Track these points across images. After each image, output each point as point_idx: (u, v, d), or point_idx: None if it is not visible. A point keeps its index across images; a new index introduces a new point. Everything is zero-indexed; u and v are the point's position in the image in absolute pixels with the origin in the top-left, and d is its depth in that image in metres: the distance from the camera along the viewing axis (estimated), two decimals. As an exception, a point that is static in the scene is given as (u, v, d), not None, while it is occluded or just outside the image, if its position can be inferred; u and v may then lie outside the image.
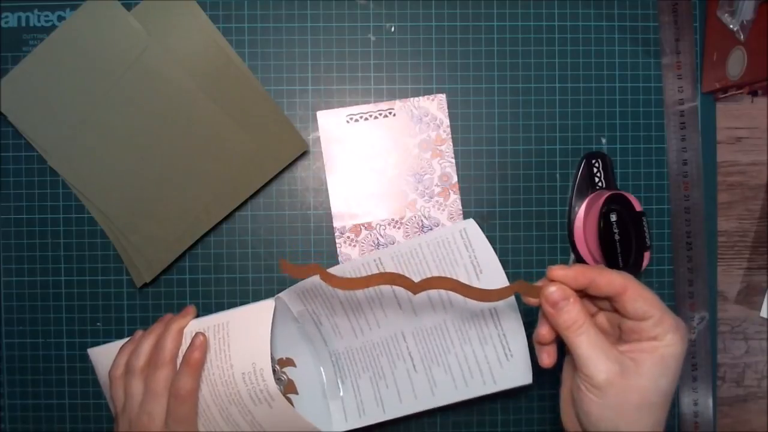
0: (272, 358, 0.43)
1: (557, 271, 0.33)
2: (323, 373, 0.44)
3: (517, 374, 0.41)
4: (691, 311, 0.48)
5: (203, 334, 0.40)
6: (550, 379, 0.48)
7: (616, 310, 0.33)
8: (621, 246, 0.44)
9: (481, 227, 0.42)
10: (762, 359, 0.50)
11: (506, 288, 0.34)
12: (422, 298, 0.42)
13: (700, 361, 0.48)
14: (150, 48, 0.45)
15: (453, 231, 0.41)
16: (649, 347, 0.31)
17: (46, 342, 0.47)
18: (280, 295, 0.43)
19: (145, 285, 0.46)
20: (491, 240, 0.47)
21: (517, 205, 0.48)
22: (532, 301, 0.34)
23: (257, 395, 0.39)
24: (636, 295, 0.32)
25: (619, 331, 0.34)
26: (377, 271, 0.41)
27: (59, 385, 0.47)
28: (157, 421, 0.38)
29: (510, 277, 0.47)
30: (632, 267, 0.44)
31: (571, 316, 0.32)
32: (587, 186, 0.47)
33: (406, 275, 0.36)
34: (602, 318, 0.35)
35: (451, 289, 0.35)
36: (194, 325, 0.41)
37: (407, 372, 0.43)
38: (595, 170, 0.47)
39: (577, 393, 0.32)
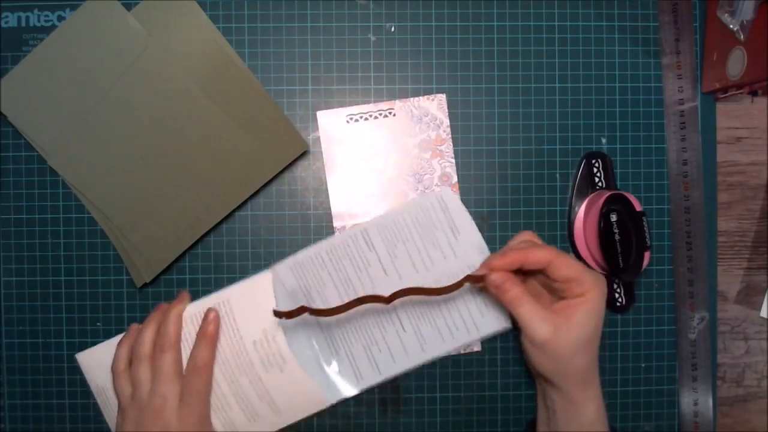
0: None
1: (495, 261, 0.40)
2: (316, 346, 0.45)
3: (496, 320, 0.46)
4: (691, 311, 0.48)
5: (215, 310, 0.43)
6: (550, 379, 0.48)
7: (547, 277, 0.41)
8: (621, 246, 0.44)
9: (480, 227, 0.44)
10: (762, 359, 0.50)
11: (459, 282, 0.41)
12: (405, 262, 0.46)
13: (700, 361, 0.48)
14: (150, 48, 0.45)
15: (431, 199, 0.46)
16: (576, 302, 0.39)
17: (46, 342, 0.47)
18: (274, 266, 0.45)
19: (145, 285, 0.46)
20: (491, 240, 0.47)
21: (517, 205, 0.48)
22: (481, 286, 0.43)
23: (269, 360, 0.44)
24: (559, 264, 0.39)
25: (552, 292, 0.42)
26: (364, 243, 0.45)
27: (59, 385, 0.47)
28: (171, 402, 0.40)
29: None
30: (632, 267, 0.44)
31: (512, 294, 0.40)
32: (587, 186, 0.47)
33: (391, 241, 0.45)
34: (537, 282, 0.43)
35: (416, 294, 0.42)
36: (193, 308, 0.44)
37: (397, 333, 0.46)
38: (595, 170, 0.47)
39: (525, 349, 0.40)
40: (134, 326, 0.44)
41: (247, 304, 0.44)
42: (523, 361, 0.48)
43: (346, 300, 0.44)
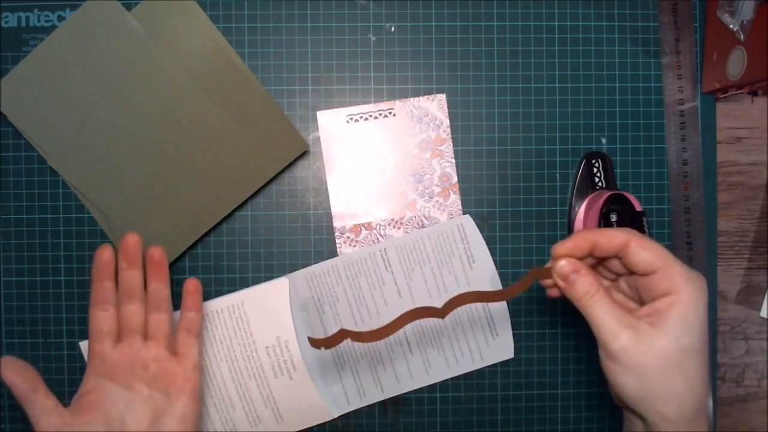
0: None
1: (559, 248, 0.33)
2: (324, 358, 0.46)
3: (501, 351, 0.46)
4: (691, 311, 0.48)
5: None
6: (550, 380, 0.48)
7: (628, 270, 0.33)
8: (621, 246, 0.44)
9: (480, 227, 0.45)
10: (762, 359, 0.50)
11: (523, 280, 0.35)
12: (420, 285, 0.46)
13: (700, 361, 0.48)
14: (150, 48, 0.45)
15: (451, 225, 0.46)
16: (664, 304, 0.31)
17: (46, 342, 0.47)
18: (291, 275, 0.46)
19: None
20: (491, 240, 0.47)
21: (517, 205, 0.48)
22: (548, 282, 0.35)
23: (280, 367, 0.45)
24: (639, 247, 0.31)
25: (638, 294, 0.33)
26: (381, 261, 0.46)
27: (59, 385, 0.47)
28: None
29: (510, 276, 0.47)
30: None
31: (583, 286, 0.32)
32: (587, 186, 0.47)
33: (408, 264, 0.44)
34: (623, 285, 0.35)
35: (474, 302, 0.35)
36: (206, 308, 0.45)
37: (404, 355, 0.46)
38: (595, 170, 0.47)
39: (603, 368, 0.32)
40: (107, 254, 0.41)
41: (262, 309, 0.45)
42: (524, 361, 0.48)
43: (358, 317, 0.45)
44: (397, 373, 0.46)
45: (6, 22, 0.46)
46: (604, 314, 0.31)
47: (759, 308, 0.49)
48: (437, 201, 0.47)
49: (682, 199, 0.48)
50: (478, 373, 0.47)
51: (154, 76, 0.45)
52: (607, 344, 0.31)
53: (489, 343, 0.46)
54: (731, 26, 0.45)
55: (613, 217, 0.44)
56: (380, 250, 0.46)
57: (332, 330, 0.46)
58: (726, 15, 0.45)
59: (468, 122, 0.47)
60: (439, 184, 0.47)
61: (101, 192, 0.46)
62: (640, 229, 0.44)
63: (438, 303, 0.43)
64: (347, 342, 0.45)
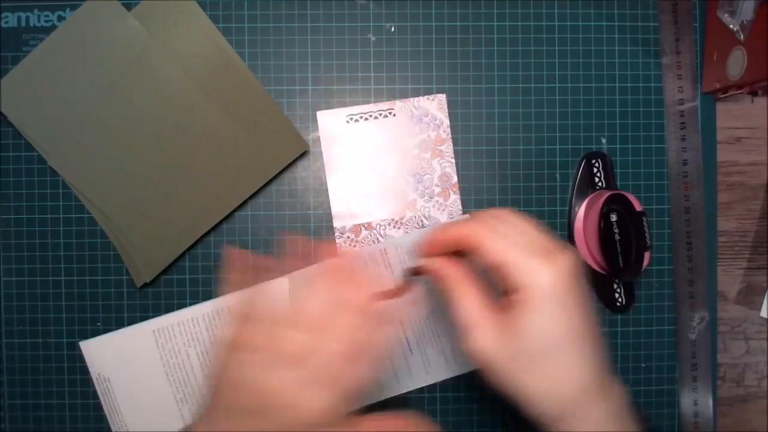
0: None
1: (424, 246, 0.33)
2: None
3: None
4: (691, 311, 0.48)
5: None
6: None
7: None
8: (621, 246, 0.44)
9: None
10: (762, 359, 0.50)
11: (405, 281, 0.35)
12: (419, 286, 0.45)
13: (700, 361, 0.48)
14: (150, 48, 0.45)
15: None
16: (513, 301, 0.29)
17: (46, 342, 0.47)
18: (291, 275, 0.45)
19: (145, 285, 0.46)
20: (491, 240, 0.47)
21: (517, 205, 0.48)
22: (428, 278, 0.34)
23: None
24: (479, 240, 0.30)
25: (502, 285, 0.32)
26: (381, 261, 0.45)
27: (59, 385, 0.47)
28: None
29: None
30: (632, 267, 0.44)
31: (448, 277, 0.31)
32: (587, 186, 0.47)
33: (408, 264, 0.42)
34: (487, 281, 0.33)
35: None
36: (207, 308, 0.45)
37: (404, 354, 0.46)
38: (595, 170, 0.47)
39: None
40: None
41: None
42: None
43: None
44: (398, 373, 0.46)
45: (6, 22, 0.46)
46: (467, 310, 0.30)
47: (759, 308, 0.49)
48: (437, 201, 0.47)
49: (682, 199, 0.48)
50: (479, 373, 0.47)
51: (154, 76, 0.45)
52: (467, 347, 0.30)
53: None
54: (731, 26, 0.45)
55: (613, 217, 0.44)
56: (380, 250, 0.46)
57: None
58: (726, 15, 0.45)
59: (468, 122, 0.47)
60: (439, 184, 0.47)
61: (101, 192, 0.46)
62: (640, 229, 0.44)
63: (439, 303, 0.45)
64: None
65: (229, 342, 0.30)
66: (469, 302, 0.30)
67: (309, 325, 0.30)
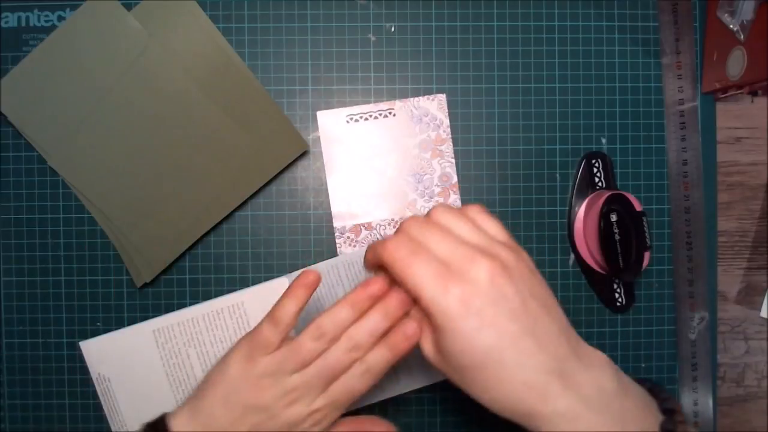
0: None
1: (366, 264, 0.34)
2: None
3: None
4: (691, 311, 0.48)
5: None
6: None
7: None
8: (621, 246, 0.44)
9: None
10: (762, 359, 0.50)
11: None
12: None
13: (700, 361, 0.48)
14: (150, 48, 0.45)
15: None
16: (434, 323, 0.30)
17: (46, 342, 0.47)
18: (291, 275, 0.45)
19: (145, 285, 0.46)
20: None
21: (517, 205, 0.48)
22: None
23: None
24: (397, 275, 0.31)
25: None
26: None
27: (59, 385, 0.47)
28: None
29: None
30: (632, 267, 0.44)
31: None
32: (587, 186, 0.47)
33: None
34: None
35: None
36: (206, 308, 0.45)
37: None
38: (595, 170, 0.47)
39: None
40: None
41: (262, 309, 0.44)
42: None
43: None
44: (398, 373, 0.46)
45: (6, 22, 0.46)
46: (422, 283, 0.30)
47: (759, 308, 0.49)
48: (437, 201, 0.47)
49: (682, 199, 0.48)
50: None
51: (154, 76, 0.45)
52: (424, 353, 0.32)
53: None
54: (731, 26, 0.45)
55: (613, 217, 0.44)
56: None
57: None
58: (726, 15, 0.45)
59: (468, 122, 0.47)
60: (439, 184, 0.47)
61: (101, 192, 0.46)
62: (640, 229, 0.44)
63: None
64: None
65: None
66: (414, 319, 0.32)
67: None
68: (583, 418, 0.29)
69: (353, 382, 0.34)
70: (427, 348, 0.32)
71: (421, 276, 0.29)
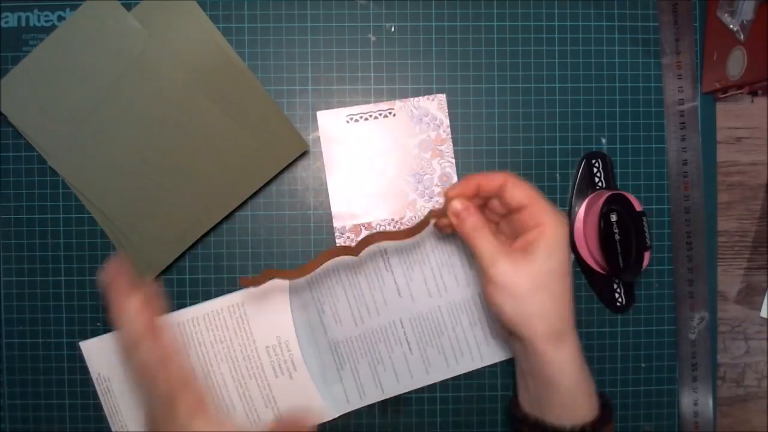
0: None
1: (451, 191, 0.39)
2: (323, 359, 0.46)
3: (501, 350, 0.47)
4: (691, 311, 0.48)
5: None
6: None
7: (506, 210, 0.39)
8: (621, 246, 0.44)
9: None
10: (762, 359, 0.50)
11: (423, 219, 0.41)
12: (420, 285, 0.46)
13: (700, 361, 0.48)
14: (150, 48, 0.45)
15: None
16: (532, 235, 0.37)
17: (46, 342, 0.47)
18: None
19: (145, 285, 0.46)
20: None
21: (517, 205, 0.48)
22: (443, 222, 0.40)
23: (280, 366, 0.45)
24: (512, 186, 0.38)
25: (514, 232, 0.39)
26: (381, 261, 0.46)
27: (59, 385, 0.47)
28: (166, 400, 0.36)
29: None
30: (632, 267, 0.44)
31: (471, 221, 0.38)
32: (587, 186, 0.47)
33: (408, 264, 0.44)
34: (504, 227, 0.41)
35: (384, 240, 0.41)
36: (206, 308, 0.45)
37: (404, 354, 0.46)
38: (595, 170, 0.47)
39: (486, 295, 0.38)
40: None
41: (262, 309, 0.45)
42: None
43: (358, 317, 0.46)
44: (397, 372, 0.46)
45: (6, 22, 0.46)
46: (486, 245, 0.37)
47: (759, 308, 0.49)
48: (437, 201, 0.47)
49: (682, 199, 0.48)
50: (478, 373, 0.47)
51: (154, 76, 0.45)
52: (486, 270, 0.37)
53: (489, 342, 0.47)
54: (731, 26, 0.45)
55: (613, 217, 0.44)
56: (380, 250, 0.46)
57: (334, 330, 0.46)
58: (726, 15, 0.45)
59: (468, 122, 0.47)
60: (439, 184, 0.47)
61: (101, 192, 0.46)
62: (640, 229, 0.44)
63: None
64: (347, 341, 0.45)
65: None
66: (489, 242, 0.37)
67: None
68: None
69: None
70: (505, 264, 0.37)
71: (537, 196, 0.38)
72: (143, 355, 0.36)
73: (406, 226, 0.40)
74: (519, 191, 0.38)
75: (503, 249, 0.37)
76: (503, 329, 0.39)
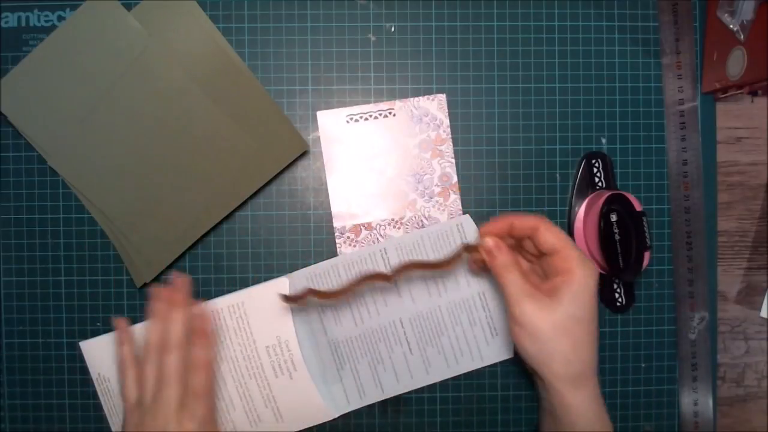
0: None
1: (484, 228, 0.41)
2: (324, 359, 0.46)
3: (501, 350, 0.47)
4: (691, 311, 0.48)
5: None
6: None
7: (538, 251, 0.40)
8: (621, 246, 0.44)
9: (479, 226, 0.44)
10: (762, 359, 0.50)
11: (456, 253, 0.41)
12: (419, 285, 0.46)
13: (700, 361, 0.48)
14: (150, 48, 0.45)
15: (451, 225, 0.46)
16: (560, 281, 0.37)
17: (46, 342, 0.47)
18: (292, 274, 0.46)
19: (145, 285, 0.46)
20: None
21: (517, 205, 0.48)
22: (476, 256, 0.41)
23: (280, 366, 0.45)
24: (545, 230, 0.38)
25: (542, 276, 0.41)
26: (381, 261, 0.46)
27: (59, 385, 0.47)
28: (172, 406, 0.39)
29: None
30: (632, 267, 0.44)
31: (501, 259, 0.39)
32: (587, 186, 0.47)
33: (408, 264, 0.42)
34: (538, 268, 0.42)
35: (419, 269, 0.42)
36: (207, 307, 0.45)
37: (404, 355, 0.46)
38: (595, 170, 0.47)
39: (512, 333, 0.38)
40: (122, 323, 0.44)
41: (262, 309, 0.45)
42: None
43: (358, 318, 0.46)
44: (397, 372, 0.46)
45: (6, 22, 0.46)
46: (513, 284, 0.38)
47: (759, 308, 0.49)
48: (437, 201, 0.47)
49: (682, 199, 0.48)
50: (478, 373, 0.47)
51: (154, 76, 0.45)
52: (512, 309, 0.38)
53: (489, 342, 0.47)
54: (731, 26, 0.45)
55: (613, 217, 0.44)
56: (380, 250, 0.46)
57: (334, 330, 0.46)
58: (726, 15, 0.45)
59: (468, 122, 0.47)
60: (439, 184, 0.47)
61: (101, 192, 0.46)
62: (640, 229, 0.44)
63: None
64: (347, 341, 0.45)
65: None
66: (516, 281, 0.38)
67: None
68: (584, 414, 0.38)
69: None
70: (533, 304, 0.37)
71: (568, 242, 0.39)
72: (173, 358, 0.40)
73: (440, 259, 0.41)
74: (551, 236, 0.38)
75: (530, 290, 0.38)
76: (524, 361, 0.39)
